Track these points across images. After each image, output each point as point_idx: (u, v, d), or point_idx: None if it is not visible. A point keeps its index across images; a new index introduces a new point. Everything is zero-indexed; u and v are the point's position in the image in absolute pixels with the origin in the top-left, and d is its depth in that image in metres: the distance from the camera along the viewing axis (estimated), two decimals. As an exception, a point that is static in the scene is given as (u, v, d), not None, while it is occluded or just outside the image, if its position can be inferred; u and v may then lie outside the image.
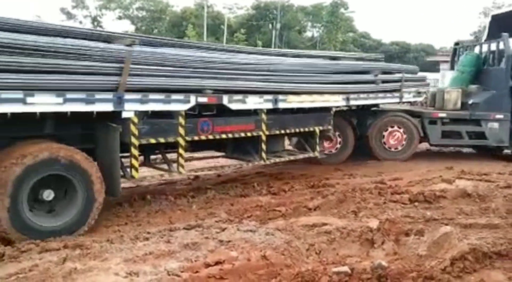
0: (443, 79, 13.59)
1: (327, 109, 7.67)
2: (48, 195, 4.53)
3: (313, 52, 11.17)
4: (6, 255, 3.79)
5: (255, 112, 6.53)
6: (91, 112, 4.74)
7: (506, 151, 9.81)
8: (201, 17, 42.39)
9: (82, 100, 4.61)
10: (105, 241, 4.13)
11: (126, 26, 49.26)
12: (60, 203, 4.69)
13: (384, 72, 9.00)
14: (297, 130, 7.24)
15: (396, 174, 7.80)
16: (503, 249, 3.56)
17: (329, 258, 3.71)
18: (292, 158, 7.54)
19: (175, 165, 5.85)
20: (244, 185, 6.98)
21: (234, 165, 7.40)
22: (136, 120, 5.11)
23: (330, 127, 7.74)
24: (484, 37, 11.05)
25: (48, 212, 4.66)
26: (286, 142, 8.26)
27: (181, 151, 5.68)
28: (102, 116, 4.90)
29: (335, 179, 7.47)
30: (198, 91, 5.74)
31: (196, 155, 7.57)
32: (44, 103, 4.36)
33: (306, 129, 7.38)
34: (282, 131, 7.02)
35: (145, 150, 5.82)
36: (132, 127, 5.11)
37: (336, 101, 7.73)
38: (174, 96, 5.45)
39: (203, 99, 5.76)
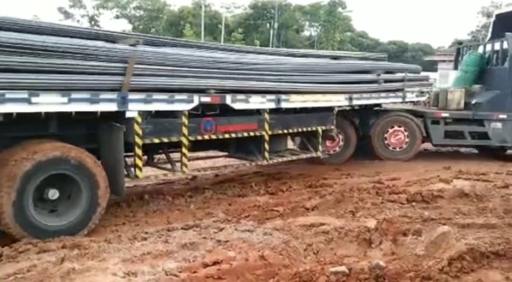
0: (441, 78, 13.59)
1: (329, 109, 7.66)
2: (53, 194, 4.53)
3: (320, 51, 11.12)
4: (4, 255, 3.78)
5: (258, 112, 6.54)
6: (95, 112, 4.75)
7: (510, 151, 9.76)
8: (199, 16, 42.40)
9: (86, 100, 4.62)
10: (103, 241, 4.11)
11: (124, 25, 49.36)
12: (62, 203, 4.68)
13: (387, 72, 8.96)
14: (300, 130, 7.23)
15: (394, 173, 7.80)
16: (500, 249, 3.56)
17: (327, 258, 3.71)
18: (294, 157, 7.53)
19: (178, 165, 5.84)
20: (242, 184, 6.98)
21: (231, 165, 7.41)
22: (140, 120, 5.12)
23: (332, 127, 7.74)
24: (488, 36, 11.01)
25: (50, 212, 4.65)
26: (290, 142, 8.24)
27: (184, 150, 5.69)
28: (106, 116, 4.91)
29: (333, 178, 7.47)
30: (202, 91, 5.74)
31: (199, 154, 7.53)
32: (49, 103, 4.36)
33: (309, 129, 7.38)
34: (285, 131, 7.02)
35: (149, 149, 5.82)
36: (136, 127, 5.11)
37: (338, 101, 7.71)
38: (178, 96, 5.45)
39: (206, 99, 5.77)
